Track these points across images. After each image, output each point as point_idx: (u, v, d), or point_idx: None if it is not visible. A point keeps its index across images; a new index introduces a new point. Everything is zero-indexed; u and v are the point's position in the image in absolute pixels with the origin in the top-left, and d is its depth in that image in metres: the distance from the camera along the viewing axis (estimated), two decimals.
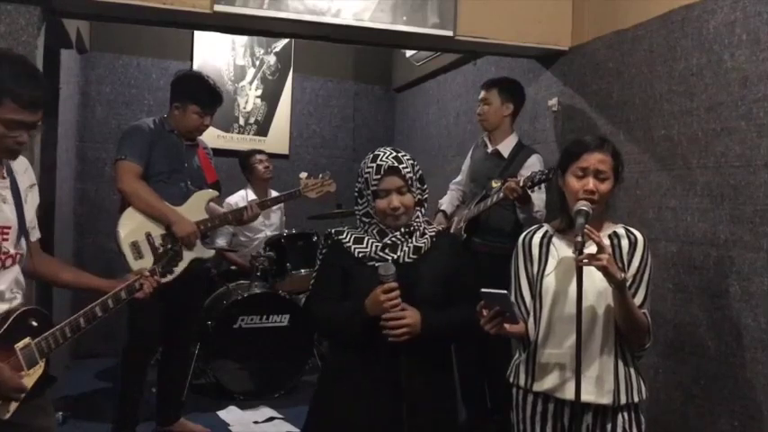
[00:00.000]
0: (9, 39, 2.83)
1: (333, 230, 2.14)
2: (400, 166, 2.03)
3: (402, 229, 2.07)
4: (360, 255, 2.05)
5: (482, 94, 3.55)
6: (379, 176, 2.02)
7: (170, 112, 3.48)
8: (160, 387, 3.64)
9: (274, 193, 4.46)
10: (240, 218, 3.56)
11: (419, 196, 2.10)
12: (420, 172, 2.11)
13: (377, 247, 2.05)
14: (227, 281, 4.60)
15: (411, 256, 2.05)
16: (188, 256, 3.27)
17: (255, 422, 3.87)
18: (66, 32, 3.82)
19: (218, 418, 3.93)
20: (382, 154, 2.06)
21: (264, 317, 4.27)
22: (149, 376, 3.53)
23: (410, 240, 2.07)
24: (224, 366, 4.18)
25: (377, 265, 2.01)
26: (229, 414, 3.99)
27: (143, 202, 3.23)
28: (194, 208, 3.36)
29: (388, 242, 2.05)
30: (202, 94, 3.43)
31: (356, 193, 2.12)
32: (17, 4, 2.84)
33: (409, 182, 2.04)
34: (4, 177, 1.94)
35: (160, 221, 3.25)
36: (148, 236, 3.22)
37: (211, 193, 3.49)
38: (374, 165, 2.04)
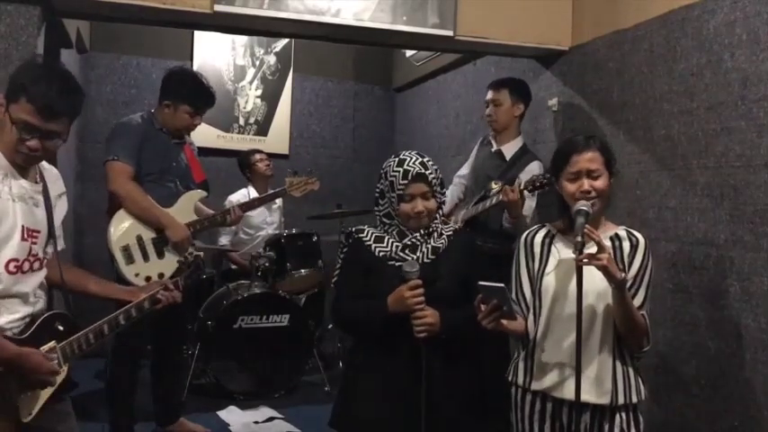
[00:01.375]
0: (9, 39, 2.83)
1: (353, 229, 2.20)
2: (426, 173, 2.09)
3: (422, 231, 2.12)
4: (381, 254, 2.11)
5: (490, 95, 3.44)
6: (405, 182, 2.07)
7: (159, 108, 3.36)
8: (155, 389, 3.62)
9: None
10: (223, 221, 3.49)
11: (440, 199, 2.15)
12: (441, 176, 2.15)
13: (397, 247, 2.11)
14: (227, 281, 4.60)
15: (430, 256, 2.11)
16: (174, 259, 3.20)
17: (255, 422, 3.86)
18: (66, 32, 3.81)
19: (218, 418, 3.92)
20: (409, 159, 2.10)
21: (264, 317, 4.26)
22: (146, 377, 3.52)
23: (429, 241, 2.13)
24: (224, 366, 4.18)
25: (398, 264, 2.06)
26: (229, 414, 3.98)
27: (137, 205, 3.17)
28: (184, 209, 3.30)
29: (408, 243, 2.11)
30: (196, 95, 3.33)
31: (377, 194, 2.17)
32: (17, 4, 2.84)
33: (434, 188, 2.10)
34: (36, 182, 1.97)
35: (152, 225, 3.19)
36: (139, 239, 3.17)
37: (200, 193, 3.42)
38: (401, 169, 2.08)
